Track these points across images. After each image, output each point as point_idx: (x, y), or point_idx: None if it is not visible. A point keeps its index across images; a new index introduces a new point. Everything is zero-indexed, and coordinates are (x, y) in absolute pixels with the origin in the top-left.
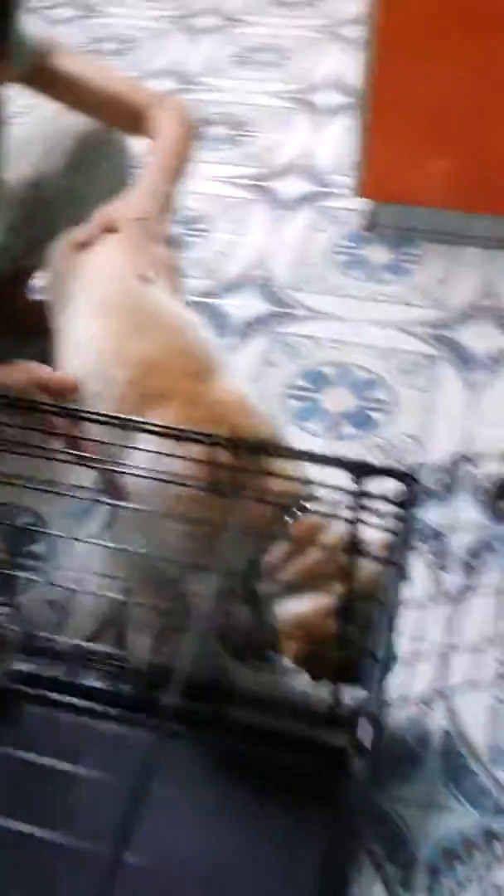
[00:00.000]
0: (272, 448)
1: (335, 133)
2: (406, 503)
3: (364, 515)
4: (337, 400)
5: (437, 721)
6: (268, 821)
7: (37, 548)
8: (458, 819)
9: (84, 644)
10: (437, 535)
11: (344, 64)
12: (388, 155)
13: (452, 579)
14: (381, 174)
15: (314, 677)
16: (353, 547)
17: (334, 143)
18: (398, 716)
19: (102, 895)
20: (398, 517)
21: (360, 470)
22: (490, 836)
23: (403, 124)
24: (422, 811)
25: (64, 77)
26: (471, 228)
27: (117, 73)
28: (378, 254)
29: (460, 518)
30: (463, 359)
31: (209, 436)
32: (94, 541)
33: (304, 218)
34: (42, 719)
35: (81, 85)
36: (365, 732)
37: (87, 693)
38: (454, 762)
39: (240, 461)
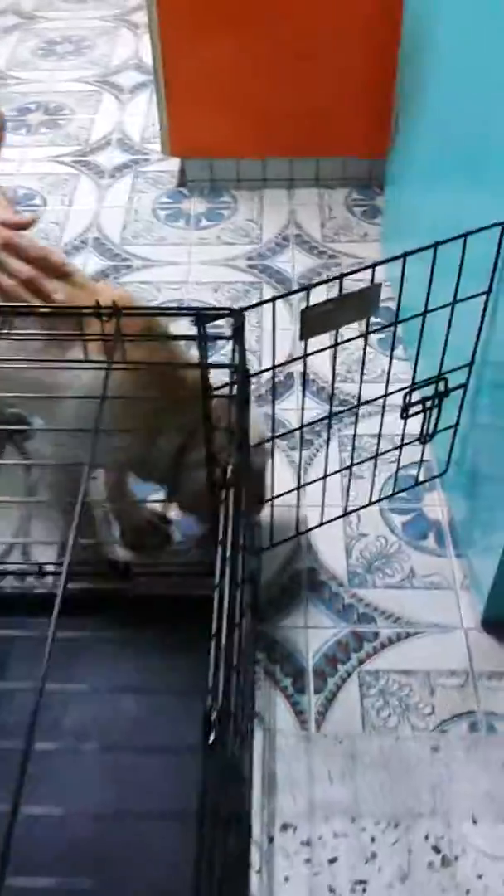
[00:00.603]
0: (135, 309)
1: (140, 108)
2: (237, 333)
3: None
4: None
5: (302, 560)
6: (167, 671)
7: None
8: (331, 632)
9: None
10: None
11: (138, 47)
12: (188, 118)
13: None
14: (184, 136)
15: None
16: (205, 385)
17: (140, 116)
18: (269, 561)
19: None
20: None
21: (202, 316)
22: (359, 637)
23: (195, 91)
24: (302, 631)
25: None
26: (268, 172)
27: None
28: (194, 205)
29: None
30: (280, 281)
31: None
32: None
33: (125, 183)
34: None
35: None
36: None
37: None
38: (321, 589)
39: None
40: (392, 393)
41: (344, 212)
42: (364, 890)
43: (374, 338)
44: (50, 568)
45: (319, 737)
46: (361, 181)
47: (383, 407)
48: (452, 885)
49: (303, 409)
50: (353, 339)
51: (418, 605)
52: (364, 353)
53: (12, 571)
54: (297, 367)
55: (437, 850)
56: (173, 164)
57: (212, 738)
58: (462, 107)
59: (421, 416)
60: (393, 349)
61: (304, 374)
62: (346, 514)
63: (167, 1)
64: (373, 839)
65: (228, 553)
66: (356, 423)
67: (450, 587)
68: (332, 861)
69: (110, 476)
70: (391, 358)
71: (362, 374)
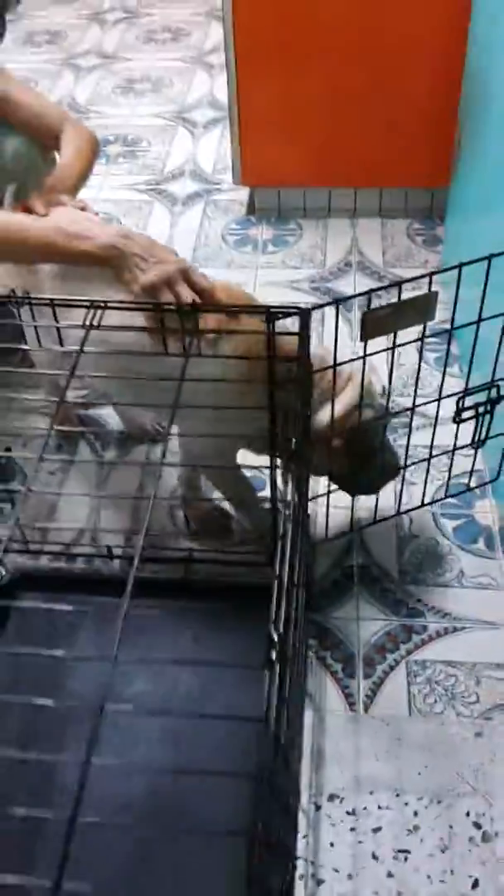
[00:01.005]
0: (211, 307)
1: (212, 142)
2: (303, 329)
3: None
4: None
5: (353, 557)
6: (224, 650)
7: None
8: (382, 624)
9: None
10: None
11: (211, 86)
12: (259, 149)
13: None
14: (255, 166)
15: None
16: (271, 376)
17: (212, 149)
18: (324, 556)
19: (91, 740)
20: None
21: (272, 314)
22: (408, 629)
23: (266, 124)
24: (354, 622)
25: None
26: (333, 202)
27: (42, 95)
28: (262, 231)
29: None
30: (343, 305)
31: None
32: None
33: (196, 211)
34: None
35: (13, 103)
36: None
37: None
38: (373, 584)
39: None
40: (446, 397)
41: (405, 240)
42: (406, 859)
43: (430, 356)
44: (118, 552)
45: (367, 718)
46: (422, 212)
47: (437, 411)
48: (492, 859)
49: (360, 408)
50: (410, 342)
51: (467, 603)
52: (420, 356)
53: (85, 553)
54: None
55: (477, 826)
56: (243, 193)
57: (274, 654)
58: None
59: (473, 422)
60: (446, 365)
61: (363, 374)
62: (398, 513)
63: (243, 43)
64: (416, 813)
65: (290, 527)
66: (409, 430)
67: (498, 587)
68: (376, 830)
69: (185, 472)
70: (444, 369)
71: (418, 378)
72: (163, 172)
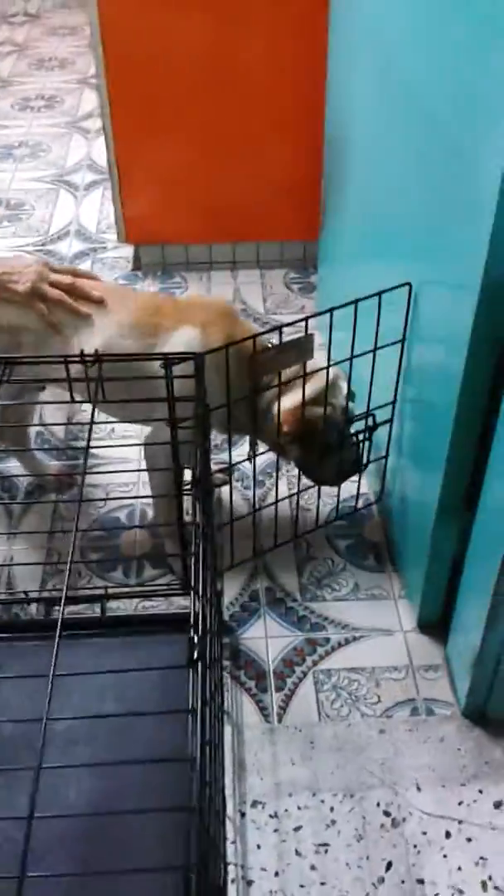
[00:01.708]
0: (115, 356)
1: (94, 202)
2: (198, 372)
3: None
4: None
5: (258, 581)
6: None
7: None
8: (289, 640)
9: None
10: None
11: (88, 149)
12: (141, 209)
13: None
14: (138, 225)
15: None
16: (171, 416)
17: (95, 210)
18: (231, 582)
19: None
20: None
21: (169, 360)
22: (312, 643)
23: (147, 186)
24: (263, 640)
25: None
26: (214, 255)
27: None
28: (148, 286)
29: None
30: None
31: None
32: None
33: (84, 268)
34: None
35: None
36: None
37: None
38: (278, 604)
39: None
40: None
41: (283, 288)
42: (326, 851)
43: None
44: (34, 595)
45: (281, 728)
46: (297, 262)
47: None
48: (402, 842)
49: (253, 444)
50: (293, 379)
51: (363, 614)
52: (303, 392)
53: (2, 601)
54: None
55: (387, 814)
56: (128, 250)
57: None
58: (376, 192)
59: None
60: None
61: (255, 414)
62: (296, 537)
63: (118, 110)
64: (332, 809)
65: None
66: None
67: (389, 597)
68: (297, 829)
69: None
70: (326, 402)
71: (303, 412)
72: (48, 234)
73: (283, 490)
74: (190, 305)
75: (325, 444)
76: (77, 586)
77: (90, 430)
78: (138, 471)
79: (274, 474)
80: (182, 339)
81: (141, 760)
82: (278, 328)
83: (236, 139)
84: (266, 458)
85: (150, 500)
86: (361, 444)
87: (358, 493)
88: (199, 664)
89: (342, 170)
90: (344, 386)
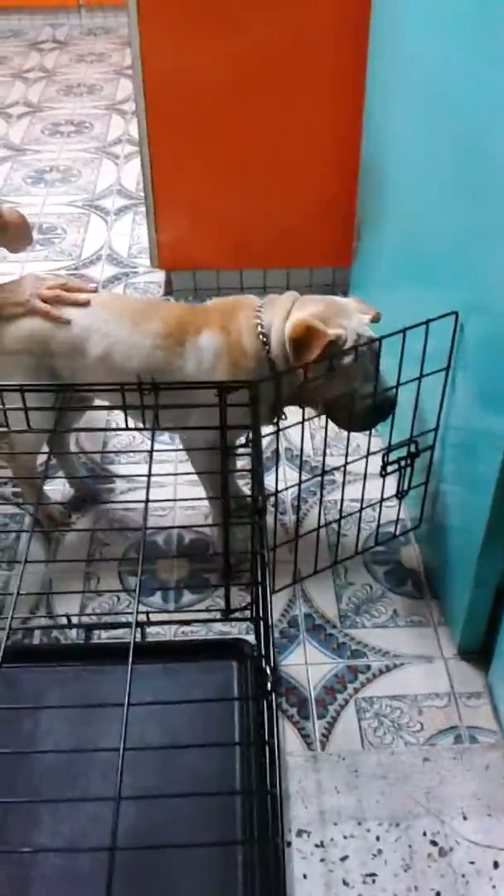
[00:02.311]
0: (171, 384)
1: (125, 227)
2: (253, 400)
3: None
4: None
5: (298, 607)
6: (190, 706)
7: None
8: (329, 667)
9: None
10: None
11: (118, 174)
12: (174, 236)
13: None
14: (171, 251)
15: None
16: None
17: (126, 235)
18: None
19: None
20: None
21: (223, 388)
22: (353, 670)
23: (181, 212)
24: (304, 667)
25: None
26: (245, 280)
27: None
28: None
29: None
30: None
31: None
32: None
33: (118, 292)
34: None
35: None
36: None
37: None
38: (317, 631)
39: None
40: (373, 453)
41: None
42: (374, 881)
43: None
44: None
45: (324, 755)
46: (326, 287)
47: (366, 467)
48: (450, 872)
49: (301, 466)
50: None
51: (403, 641)
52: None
53: (44, 626)
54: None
55: (434, 843)
56: (160, 275)
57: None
58: (417, 218)
59: (397, 475)
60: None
61: (302, 435)
62: (335, 563)
63: (156, 137)
64: (378, 838)
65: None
66: (343, 486)
67: (429, 624)
68: (344, 859)
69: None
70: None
71: (349, 438)
72: (80, 258)
73: (320, 516)
74: (210, 310)
75: (342, 371)
76: (116, 611)
77: (150, 458)
78: (197, 499)
79: (309, 499)
80: (204, 343)
81: (221, 792)
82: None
83: (269, 166)
84: (305, 485)
85: (186, 527)
86: (403, 471)
87: (397, 520)
88: (274, 695)
89: (379, 195)
90: (362, 317)
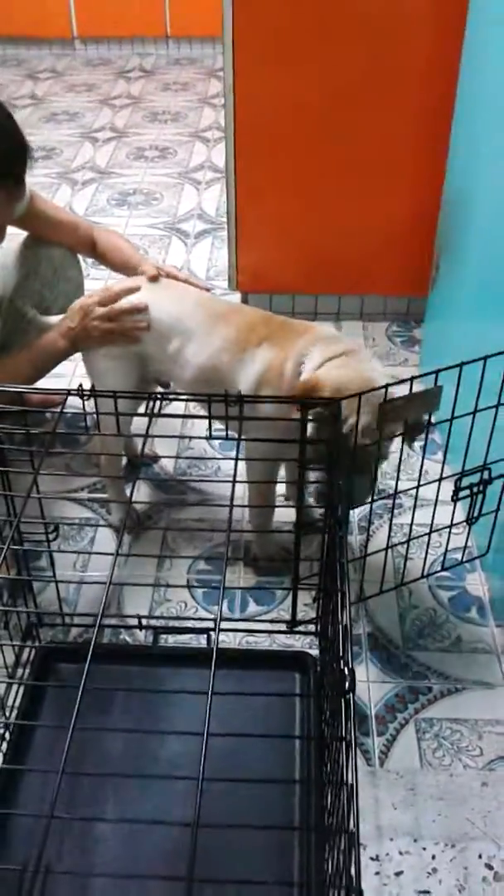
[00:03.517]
0: (255, 398)
1: (204, 250)
2: (335, 417)
3: None
4: None
5: (362, 626)
6: (249, 710)
7: None
8: (391, 686)
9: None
10: None
11: (199, 200)
12: (253, 260)
13: None
14: (249, 274)
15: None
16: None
17: (205, 258)
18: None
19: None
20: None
21: (305, 404)
22: (414, 691)
23: (261, 238)
24: (366, 685)
25: (40, 215)
26: (320, 306)
27: (67, 211)
28: None
29: None
30: None
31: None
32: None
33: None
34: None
35: (52, 220)
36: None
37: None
38: (380, 650)
39: None
40: (447, 478)
41: (385, 341)
42: None
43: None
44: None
45: (383, 772)
46: (400, 315)
47: (437, 491)
48: None
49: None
50: (422, 430)
51: (464, 666)
52: (425, 443)
53: (113, 625)
54: None
55: (489, 867)
56: (236, 297)
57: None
58: (500, 251)
59: (468, 501)
60: (447, 451)
61: (378, 458)
62: (400, 585)
63: (242, 164)
64: (433, 857)
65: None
66: (414, 508)
67: (492, 652)
68: (399, 874)
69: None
70: (446, 450)
71: (423, 462)
72: None
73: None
74: (282, 325)
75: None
76: (183, 616)
77: (235, 465)
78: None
79: (376, 521)
80: (258, 356)
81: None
82: (409, 380)
83: (350, 193)
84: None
85: (252, 534)
86: (474, 497)
87: (465, 546)
88: (352, 694)
89: (462, 225)
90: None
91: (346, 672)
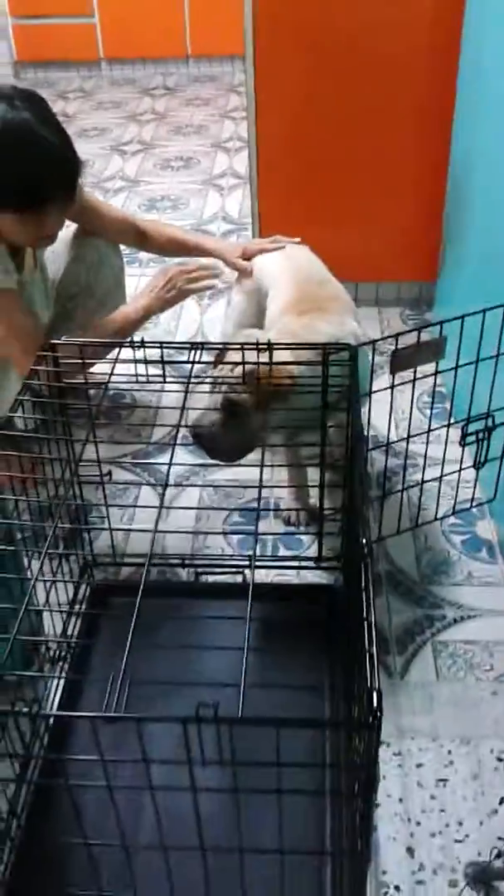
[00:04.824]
0: (282, 345)
1: None
2: (352, 359)
3: None
4: None
5: (380, 564)
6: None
7: None
8: (409, 615)
9: None
10: None
11: (223, 203)
12: None
13: None
14: None
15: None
16: (324, 400)
17: None
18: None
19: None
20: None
21: (327, 348)
22: (430, 618)
23: (282, 233)
24: (386, 614)
25: (91, 210)
26: (358, 294)
27: (117, 206)
28: None
29: None
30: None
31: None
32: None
33: (221, 303)
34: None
35: (103, 215)
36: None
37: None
38: (399, 586)
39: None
40: (454, 424)
41: (400, 324)
42: (445, 785)
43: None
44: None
45: (402, 683)
46: (413, 300)
47: (447, 436)
48: None
49: (389, 427)
50: (430, 374)
51: (476, 597)
52: (434, 389)
53: (161, 563)
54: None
55: (500, 759)
56: None
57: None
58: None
59: (474, 447)
60: (438, 400)
61: (391, 404)
62: (416, 526)
63: (267, 170)
64: (449, 752)
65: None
66: (425, 456)
67: (501, 584)
68: (419, 766)
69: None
70: (452, 399)
71: (433, 404)
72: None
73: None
74: (327, 296)
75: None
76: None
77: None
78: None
79: (392, 478)
80: (286, 319)
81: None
82: (419, 328)
83: (362, 193)
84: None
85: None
86: (480, 443)
87: (473, 491)
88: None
89: (466, 211)
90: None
91: (366, 561)
